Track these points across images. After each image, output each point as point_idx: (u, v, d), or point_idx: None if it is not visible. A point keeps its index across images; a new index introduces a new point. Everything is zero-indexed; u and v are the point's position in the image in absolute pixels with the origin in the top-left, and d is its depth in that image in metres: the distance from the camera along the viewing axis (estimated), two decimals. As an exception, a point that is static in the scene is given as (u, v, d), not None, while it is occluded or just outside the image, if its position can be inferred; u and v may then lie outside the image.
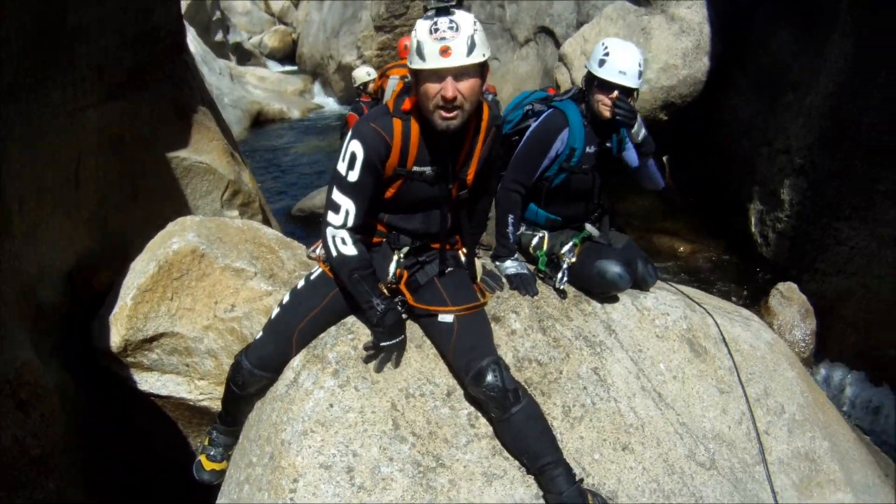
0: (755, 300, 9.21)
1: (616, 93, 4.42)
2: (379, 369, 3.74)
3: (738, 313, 5.52)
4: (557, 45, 14.79)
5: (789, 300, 8.77)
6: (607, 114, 4.48)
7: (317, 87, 28.03)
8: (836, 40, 9.64)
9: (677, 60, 12.20)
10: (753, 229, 10.77)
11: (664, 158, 13.57)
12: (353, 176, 3.53)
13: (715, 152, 12.43)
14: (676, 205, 12.57)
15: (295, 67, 31.05)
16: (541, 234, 4.72)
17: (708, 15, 12.42)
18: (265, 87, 24.90)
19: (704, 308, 5.05)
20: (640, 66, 4.45)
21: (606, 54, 4.42)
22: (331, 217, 3.61)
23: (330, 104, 25.99)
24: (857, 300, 8.75)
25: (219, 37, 27.56)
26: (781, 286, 8.94)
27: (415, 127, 3.58)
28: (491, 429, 3.66)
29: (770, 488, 4.30)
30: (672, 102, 12.26)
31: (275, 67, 31.84)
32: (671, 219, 12.11)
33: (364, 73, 10.89)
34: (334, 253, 3.62)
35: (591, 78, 4.52)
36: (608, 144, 4.74)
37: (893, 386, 8.27)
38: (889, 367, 8.31)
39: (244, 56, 30.37)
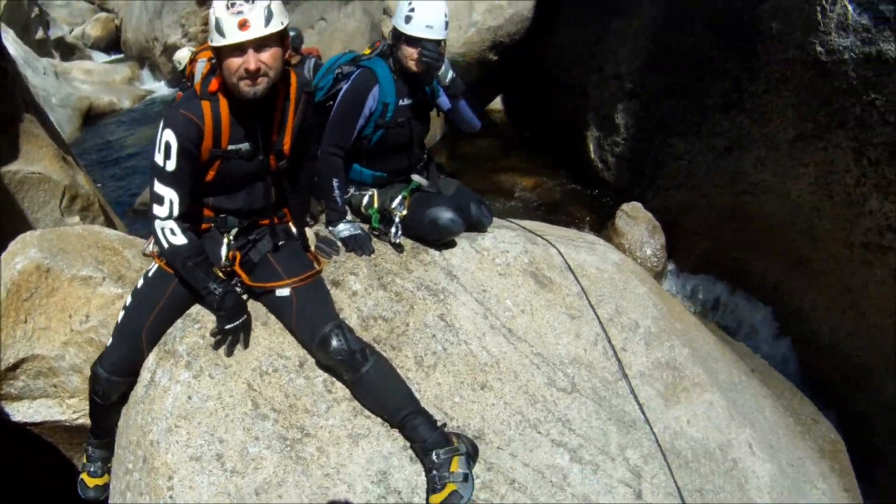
0: (603, 224, 9.44)
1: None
2: (229, 353, 3.75)
3: (582, 239, 5.68)
4: (383, -2, 14.74)
5: (635, 219, 9.04)
6: (417, 67, 4.52)
7: (145, 72, 26.98)
8: None
9: (502, 0, 12.26)
10: (593, 156, 11.02)
11: (499, 97, 13.76)
12: (171, 165, 3.49)
13: (548, 85, 12.62)
14: (515, 142, 12.71)
15: (121, 55, 29.70)
16: (370, 193, 4.74)
17: None
18: (92, 80, 23.75)
19: (547, 240, 5.15)
20: (445, 16, 4.49)
21: (412, 10, 4.43)
22: (156, 210, 3.57)
23: (160, 88, 24.99)
24: (699, 210, 9.11)
25: (39, 34, 26.23)
26: (626, 206, 9.19)
27: (224, 106, 3.56)
28: (348, 391, 3.71)
29: (635, 400, 4.45)
30: (500, 42, 12.32)
31: (100, 58, 30.22)
32: (511, 156, 12.26)
33: (186, 54, 10.63)
34: (165, 245, 3.60)
35: (398, 34, 4.53)
36: (421, 95, 4.79)
37: (742, 285, 8.68)
38: (736, 268, 8.73)
39: (68, 50, 28.90)
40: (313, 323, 3.67)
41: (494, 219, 5.19)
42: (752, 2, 8.04)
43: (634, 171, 10.26)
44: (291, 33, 8.89)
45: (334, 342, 3.58)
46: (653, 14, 10.01)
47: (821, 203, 7.40)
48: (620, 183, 10.47)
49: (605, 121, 10.77)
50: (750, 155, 8.23)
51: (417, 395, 3.76)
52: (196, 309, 3.94)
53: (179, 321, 3.91)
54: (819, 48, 6.93)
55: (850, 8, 6.61)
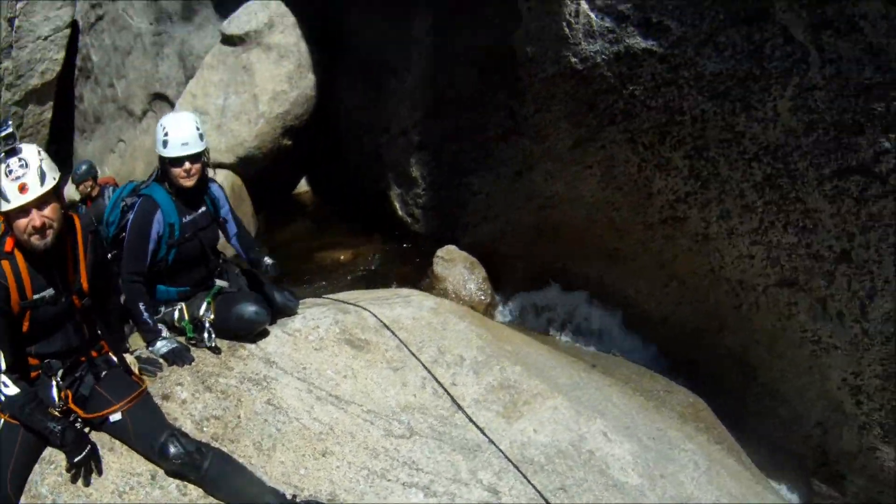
0: (424, 274, 9.67)
1: (187, 163, 4.83)
2: (87, 483, 3.96)
3: (397, 295, 6.04)
4: (173, 106, 14.67)
5: (451, 261, 9.33)
6: (189, 183, 4.88)
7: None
8: (419, 18, 10.34)
9: (284, 85, 12.49)
10: (400, 213, 11.27)
11: (304, 179, 13.83)
12: None
13: (346, 156, 12.90)
14: (327, 218, 12.83)
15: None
16: (179, 307, 5.01)
17: (302, 32, 12.82)
18: None
19: (359, 305, 5.49)
20: (197, 128, 4.88)
21: (166, 134, 4.81)
22: None
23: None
24: (509, 235, 9.52)
25: None
26: (441, 252, 9.49)
27: (21, 260, 3.85)
28: (201, 490, 3.97)
29: (475, 426, 4.79)
30: (291, 126, 12.56)
31: None
32: (326, 233, 12.35)
33: None
34: (2, 398, 3.83)
35: (162, 158, 4.89)
36: (203, 208, 5.14)
37: (569, 290, 9.12)
38: (559, 277, 9.21)
39: None
40: (149, 437, 3.97)
41: (308, 298, 5.52)
42: (505, 32, 8.47)
43: (441, 217, 10.59)
44: (83, 167, 9.08)
45: (171, 449, 3.89)
46: (422, 66, 10.44)
47: (613, 196, 7.88)
48: (431, 231, 10.75)
49: (403, 177, 11.06)
50: (538, 172, 8.67)
51: (264, 477, 4.06)
52: (49, 451, 4.09)
53: (37, 466, 4.06)
54: (573, 59, 7.37)
55: (592, 16, 7.03)
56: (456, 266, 9.34)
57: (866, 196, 5.60)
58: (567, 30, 7.31)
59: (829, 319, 6.19)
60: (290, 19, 12.83)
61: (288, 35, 12.78)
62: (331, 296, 5.98)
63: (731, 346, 7.34)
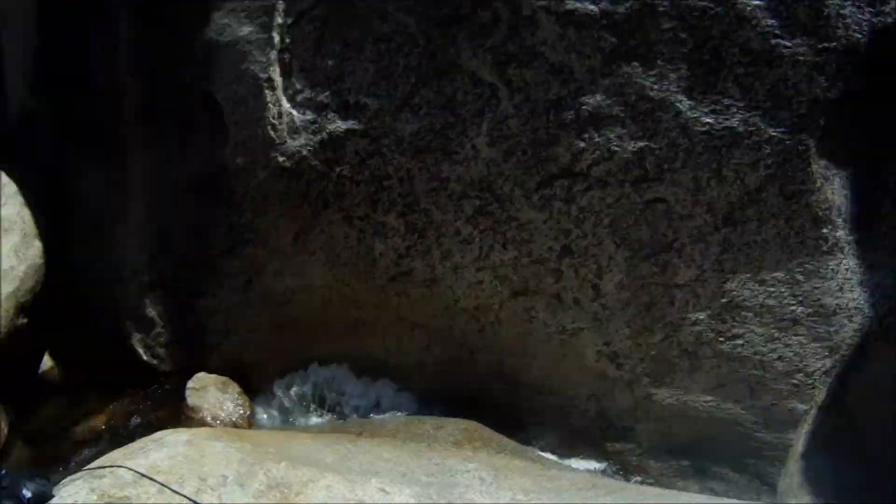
0: (180, 410, 9.57)
1: None
2: None
3: (151, 441, 6.22)
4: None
5: (203, 388, 9.44)
6: None
7: None
8: (133, 159, 10.50)
9: (13, 261, 11.71)
10: (146, 358, 11.13)
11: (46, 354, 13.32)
12: None
13: (83, 316, 12.20)
14: (77, 389, 11.93)
15: None
16: None
17: (24, 200, 11.87)
18: None
19: (110, 466, 5.70)
20: None
21: None
22: None
23: None
24: (256, 342, 9.78)
25: None
26: (191, 382, 9.56)
27: None
28: None
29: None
30: (24, 302, 11.78)
31: None
32: (78, 404, 11.49)
33: None
34: None
35: None
36: None
37: (323, 371, 9.44)
38: (310, 362, 9.48)
39: None
40: None
41: (67, 477, 5.73)
42: (216, 151, 8.86)
43: (186, 349, 10.60)
44: None
45: None
46: (142, 206, 10.56)
47: (341, 273, 8.44)
48: (179, 366, 10.66)
49: (141, 321, 11.00)
50: (267, 274, 9.06)
51: None
52: None
53: None
54: (280, 158, 7.89)
55: (294, 113, 7.60)
56: (208, 391, 9.43)
57: (573, 194, 6.37)
58: (273, 133, 7.88)
59: (567, 309, 6.91)
60: (11, 188, 12.01)
61: (10, 206, 11.89)
62: (91, 465, 6.01)
63: (487, 363, 7.90)
